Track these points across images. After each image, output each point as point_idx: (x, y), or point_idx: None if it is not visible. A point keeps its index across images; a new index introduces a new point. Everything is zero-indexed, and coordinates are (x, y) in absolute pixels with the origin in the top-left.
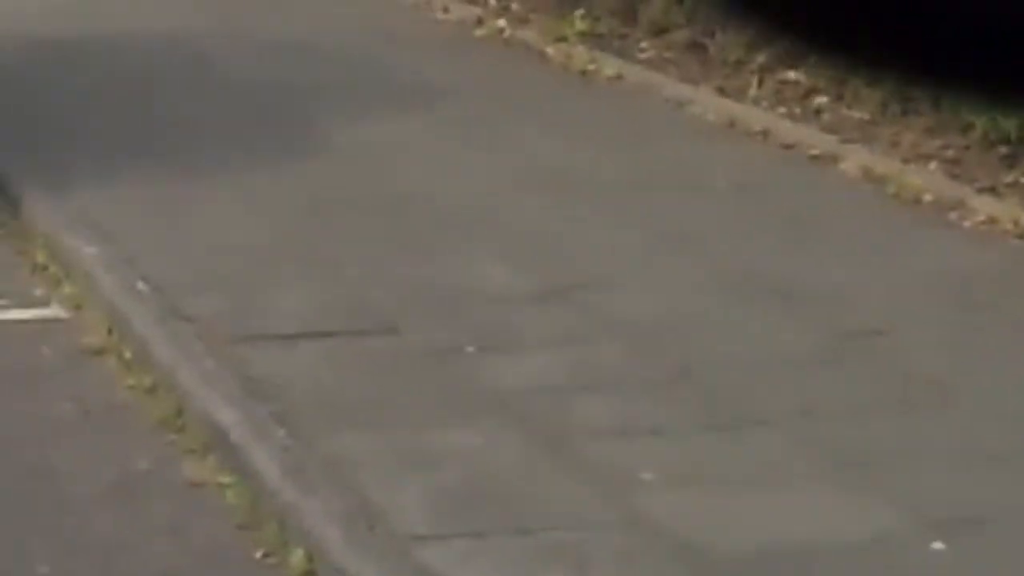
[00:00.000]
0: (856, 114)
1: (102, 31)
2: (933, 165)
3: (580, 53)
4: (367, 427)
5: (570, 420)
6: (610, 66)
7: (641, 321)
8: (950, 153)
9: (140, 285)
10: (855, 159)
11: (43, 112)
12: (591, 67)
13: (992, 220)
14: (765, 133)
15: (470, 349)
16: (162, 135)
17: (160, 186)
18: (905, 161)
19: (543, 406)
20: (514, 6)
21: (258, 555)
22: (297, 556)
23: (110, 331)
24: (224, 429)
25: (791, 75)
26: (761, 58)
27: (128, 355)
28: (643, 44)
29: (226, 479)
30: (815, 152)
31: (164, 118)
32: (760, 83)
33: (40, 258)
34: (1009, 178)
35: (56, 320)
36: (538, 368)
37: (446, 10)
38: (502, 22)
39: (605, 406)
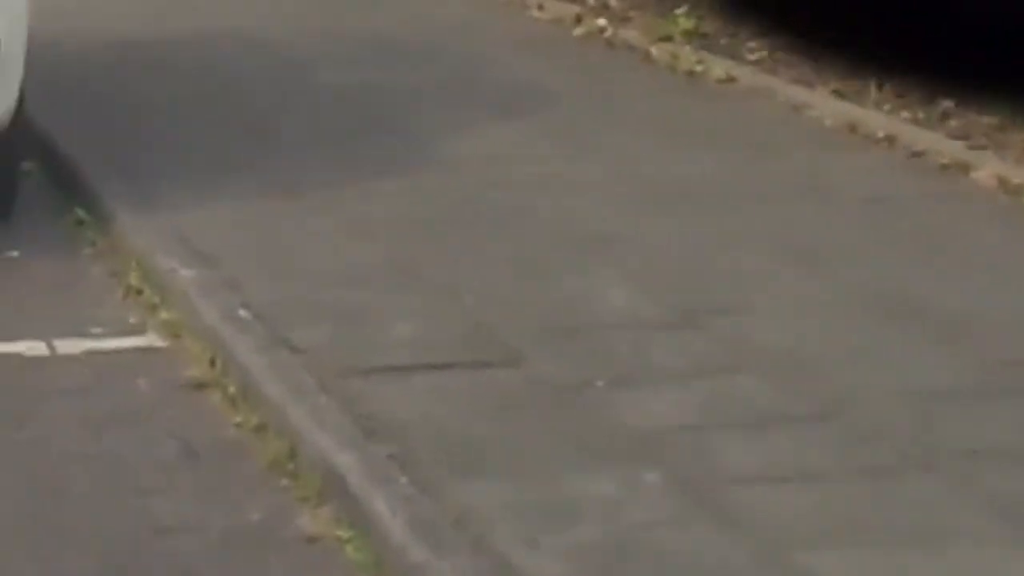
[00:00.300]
0: (985, 119)
1: (187, 31)
2: None
3: (686, 54)
4: (495, 473)
5: (713, 464)
6: (719, 67)
7: (781, 350)
8: None
9: (242, 312)
10: (988, 168)
11: (131, 121)
12: (699, 68)
13: None
14: (890, 139)
15: (599, 383)
16: (256, 146)
17: (258, 203)
18: None
19: (683, 448)
20: (613, 3)
21: None
22: None
23: (212, 362)
24: (341, 474)
25: (912, 78)
26: (878, 59)
27: (233, 389)
28: (751, 44)
29: (345, 532)
30: (945, 161)
31: (257, 127)
32: (879, 86)
33: (134, 281)
34: None
35: (153, 350)
36: (675, 404)
37: (541, 7)
38: (602, 21)
39: (750, 447)
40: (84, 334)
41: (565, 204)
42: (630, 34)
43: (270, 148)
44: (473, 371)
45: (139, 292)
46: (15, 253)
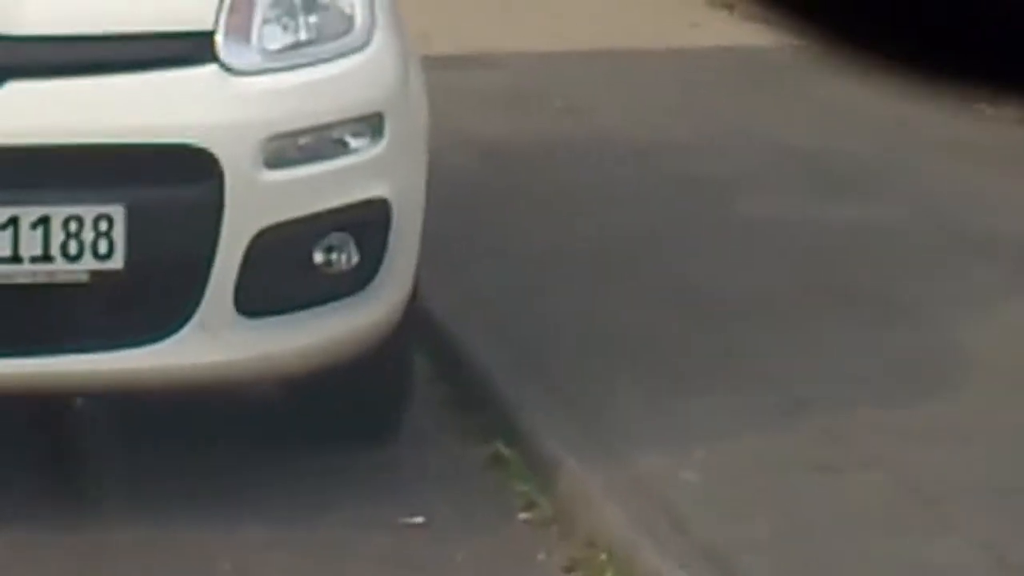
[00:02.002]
0: None
1: (552, 131)
2: None
3: None
4: None
5: None
6: None
7: None
8: None
9: None
10: None
11: (526, 282)
12: None
13: None
14: None
15: None
16: (707, 331)
17: (757, 442)
18: None
19: None
20: None
21: None
22: None
23: None
24: None
25: None
26: None
27: None
28: None
29: None
30: None
31: (695, 300)
32: None
33: None
34: None
35: None
36: None
37: (993, 102)
38: None
39: None
40: None
41: None
42: None
43: (724, 335)
44: None
45: None
46: (419, 519)
